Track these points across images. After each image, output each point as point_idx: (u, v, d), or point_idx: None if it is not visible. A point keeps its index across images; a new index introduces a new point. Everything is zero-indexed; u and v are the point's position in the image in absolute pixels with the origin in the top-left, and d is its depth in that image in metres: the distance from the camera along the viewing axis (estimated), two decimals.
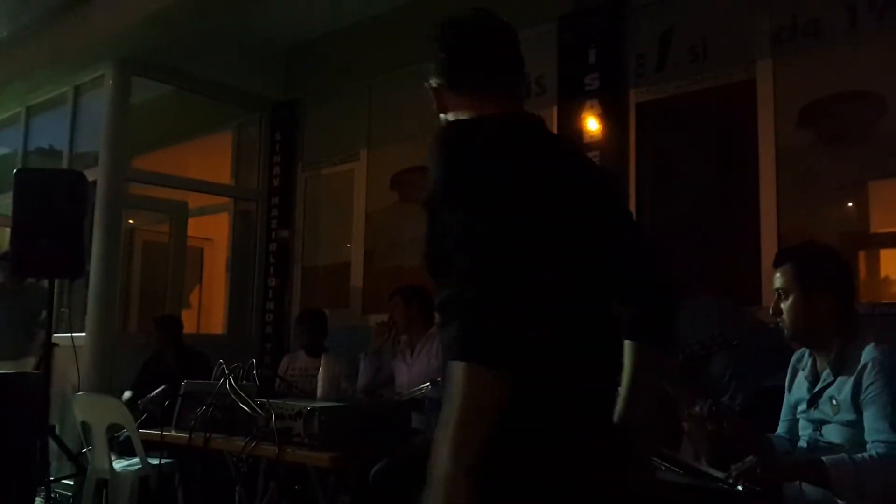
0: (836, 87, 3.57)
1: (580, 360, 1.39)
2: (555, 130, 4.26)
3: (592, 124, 4.12)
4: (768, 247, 3.43)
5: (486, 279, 1.25)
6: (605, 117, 4.08)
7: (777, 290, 2.32)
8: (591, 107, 4.12)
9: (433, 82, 1.58)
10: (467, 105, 1.53)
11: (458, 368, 1.20)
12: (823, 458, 2.06)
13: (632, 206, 4.02)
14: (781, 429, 2.46)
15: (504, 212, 1.29)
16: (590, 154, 4.11)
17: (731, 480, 2.04)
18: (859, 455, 2.05)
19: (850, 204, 3.59)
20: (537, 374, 1.30)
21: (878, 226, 3.54)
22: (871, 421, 2.08)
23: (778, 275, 2.32)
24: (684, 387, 2.79)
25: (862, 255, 3.56)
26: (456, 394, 1.20)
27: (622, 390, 1.52)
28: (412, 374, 3.83)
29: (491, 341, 1.20)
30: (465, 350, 1.20)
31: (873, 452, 2.04)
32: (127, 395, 4.58)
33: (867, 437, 2.08)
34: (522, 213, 1.31)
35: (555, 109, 4.32)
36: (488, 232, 1.27)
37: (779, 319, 2.32)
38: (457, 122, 1.52)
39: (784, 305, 2.29)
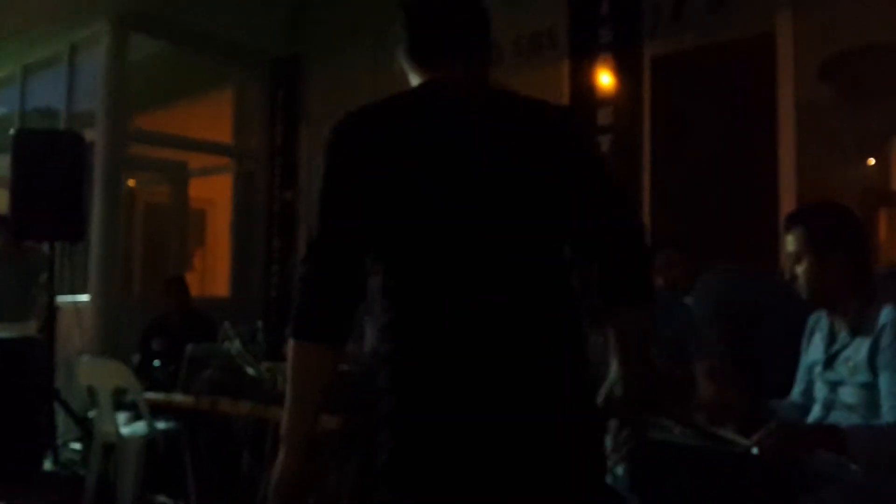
0: (858, 41, 3.50)
1: (450, 339, 1.36)
2: (566, 87, 4.24)
3: (605, 79, 4.05)
4: (788, 205, 3.39)
5: (309, 257, 1.43)
6: (619, 72, 4.01)
7: (791, 254, 2.28)
8: (605, 61, 4.04)
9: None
10: (413, 77, 1.62)
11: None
12: (840, 425, 2.04)
13: (646, 164, 3.96)
14: (797, 390, 2.43)
15: (333, 193, 1.47)
16: (602, 110, 4.06)
17: (749, 444, 2.02)
18: (877, 421, 2.02)
19: (871, 161, 3.53)
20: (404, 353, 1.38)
21: None
22: (889, 385, 2.05)
23: (790, 238, 2.27)
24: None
25: (883, 213, 3.51)
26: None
27: (613, 364, 1.50)
28: None
29: (307, 319, 1.38)
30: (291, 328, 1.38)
31: (890, 419, 2.01)
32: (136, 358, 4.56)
33: (883, 401, 2.04)
34: (356, 194, 1.43)
35: (566, 64, 4.24)
36: (318, 211, 1.48)
37: (794, 284, 2.28)
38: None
39: (799, 269, 2.25)
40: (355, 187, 1.44)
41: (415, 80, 1.60)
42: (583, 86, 4.12)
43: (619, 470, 2.00)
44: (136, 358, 4.57)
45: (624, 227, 1.50)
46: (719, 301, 2.72)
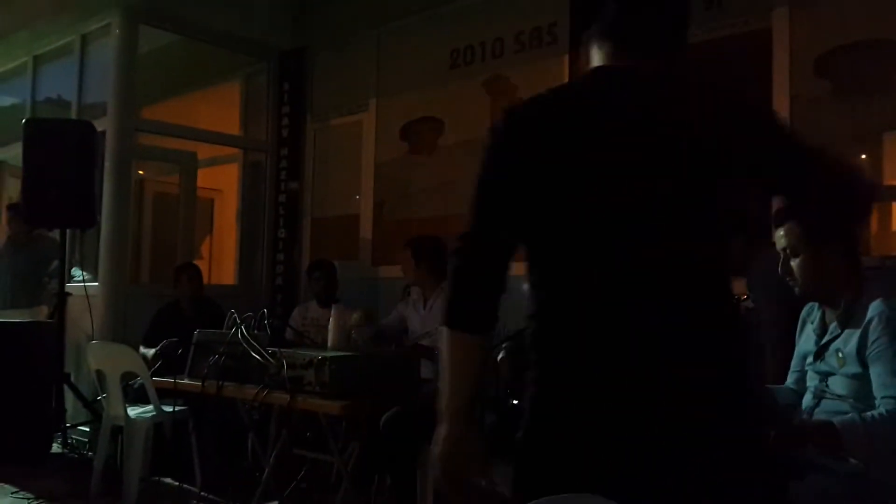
0: (853, 37, 3.50)
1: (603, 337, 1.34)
2: (566, 80, 4.27)
3: None
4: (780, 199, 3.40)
5: (462, 250, 1.44)
6: None
7: (783, 248, 2.30)
8: None
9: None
10: (588, 60, 1.55)
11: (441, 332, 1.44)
12: (834, 421, 2.06)
13: None
14: (790, 380, 2.47)
15: (492, 186, 1.44)
16: None
17: None
18: (869, 413, 2.05)
19: (864, 156, 3.55)
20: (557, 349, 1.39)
21: (892, 178, 3.50)
22: (879, 376, 2.07)
23: (782, 233, 2.29)
24: None
25: (875, 207, 3.53)
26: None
27: None
28: (425, 326, 3.85)
29: (459, 310, 1.43)
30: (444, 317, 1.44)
31: (882, 410, 2.03)
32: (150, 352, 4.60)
33: (875, 392, 2.08)
34: (518, 189, 1.40)
35: (566, 59, 4.28)
36: (475, 202, 1.45)
37: (789, 279, 2.30)
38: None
39: (794, 264, 2.27)
40: (517, 181, 1.41)
41: (597, 61, 1.52)
42: None
43: None
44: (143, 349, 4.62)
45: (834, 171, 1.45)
46: None
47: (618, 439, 1.31)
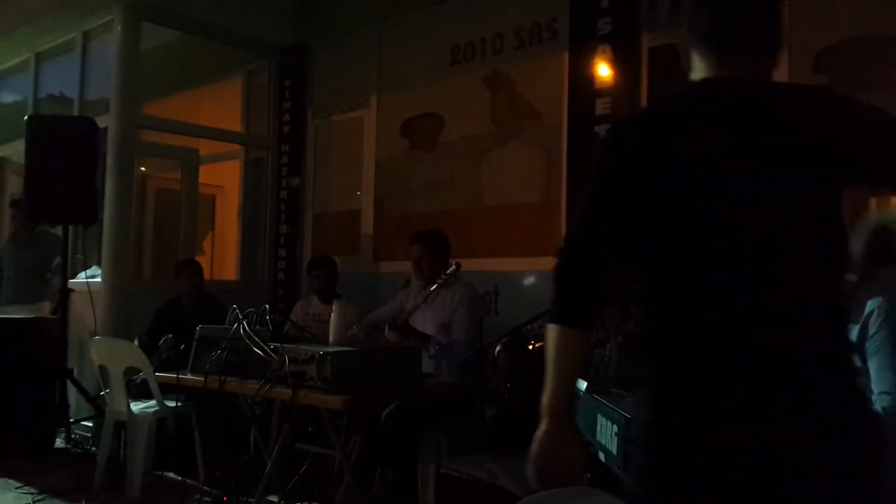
0: (852, 32, 3.50)
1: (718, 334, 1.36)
2: (566, 76, 4.30)
3: (604, 70, 4.07)
4: None
5: (568, 251, 1.51)
6: (618, 63, 4.03)
7: None
8: (604, 52, 4.07)
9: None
10: (696, 65, 1.52)
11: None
12: None
13: None
14: None
15: (603, 193, 1.48)
16: (600, 100, 4.09)
17: None
18: None
19: None
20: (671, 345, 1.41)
21: None
22: (877, 371, 2.09)
23: None
24: None
25: (873, 203, 3.54)
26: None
27: None
28: (425, 318, 3.87)
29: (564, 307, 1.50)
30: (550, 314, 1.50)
31: (878, 406, 2.06)
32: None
33: (873, 387, 2.10)
34: (624, 200, 1.44)
35: (566, 55, 4.28)
36: (584, 207, 1.51)
37: None
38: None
39: None
40: (629, 188, 1.43)
41: (699, 68, 1.50)
42: (582, 76, 4.14)
43: (613, 448, 2.06)
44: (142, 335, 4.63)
45: None
46: None
47: (739, 442, 1.31)
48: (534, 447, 1.49)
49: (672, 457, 1.35)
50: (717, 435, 1.31)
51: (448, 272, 3.66)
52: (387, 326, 3.75)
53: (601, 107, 4.06)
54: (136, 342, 4.46)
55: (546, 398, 1.49)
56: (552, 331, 1.49)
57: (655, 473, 1.38)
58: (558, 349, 1.48)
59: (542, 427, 1.49)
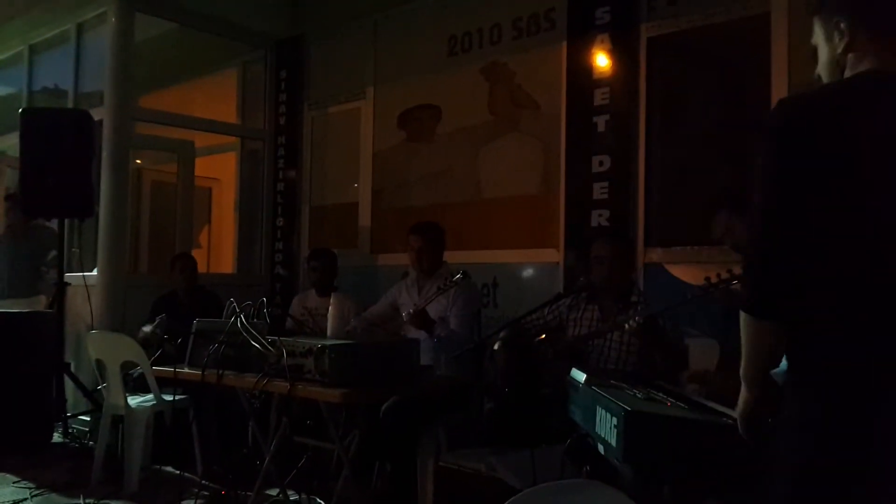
0: None
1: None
2: (564, 67, 4.27)
3: (602, 60, 4.06)
4: None
5: (760, 239, 1.52)
6: (616, 53, 4.01)
7: None
8: (602, 42, 4.05)
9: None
10: (839, 46, 1.53)
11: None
12: None
13: (641, 144, 3.99)
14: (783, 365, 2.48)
15: (787, 180, 1.45)
16: (599, 91, 4.07)
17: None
18: None
19: None
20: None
21: None
22: None
23: None
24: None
25: None
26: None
27: None
28: (418, 305, 3.86)
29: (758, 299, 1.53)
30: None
31: None
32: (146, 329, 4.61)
33: None
34: (804, 187, 1.43)
35: (564, 45, 4.26)
36: (766, 197, 1.49)
37: None
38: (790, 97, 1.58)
39: None
40: (807, 174, 1.44)
41: (857, 49, 1.50)
42: (580, 66, 4.13)
43: (613, 441, 2.05)
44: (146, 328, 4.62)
45: None
46: None
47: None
48: (739, 409, 1.66)
49: None
50: None
51: (455, 278, 3.64)
52: (406, 317, 3.75)
53: (600, 97, 4.05)
54: (146, 331, 4.45)
55: (744, 370, 1.61)
56: (747, 322, 1.55)
57: None
58: (752, 338, 1.56)
59: (742, 393, 1.64)
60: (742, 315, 1.57)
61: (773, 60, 3.57)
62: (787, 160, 1.45)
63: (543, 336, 3.46)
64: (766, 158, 1.49)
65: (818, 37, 1.61)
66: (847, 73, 1.54)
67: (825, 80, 1.60)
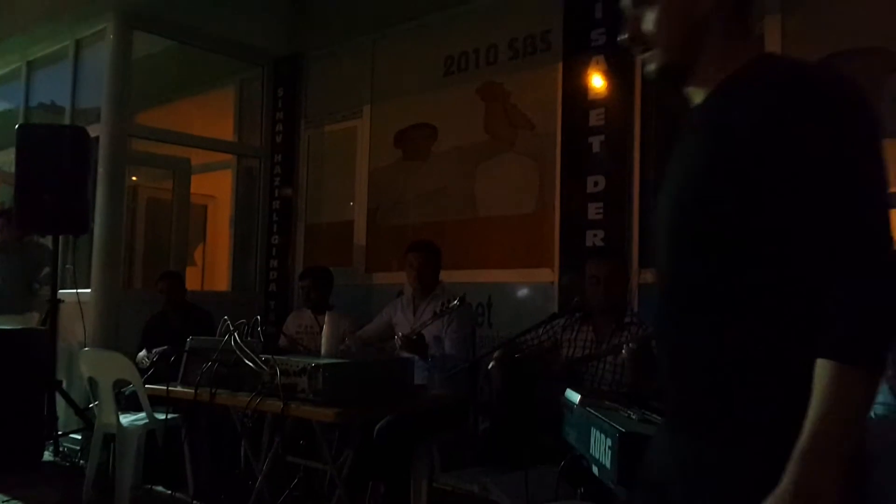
0: (846, 43, 3.51)
1: None
2: (559, 87, 4.29)
3: (598, 81, 4.08)
4: None
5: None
6: (611, 74, 4.03)
7: None
8: (597, 63, 4.07)
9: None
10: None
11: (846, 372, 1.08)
12: None
13: (636, 165, 4.00)
14: None
15: (882, 167, 1.15)
16: (594, 112, 4.09)
17: None
18: None
19: None
20: None
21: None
22: None
23: None
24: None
25: None
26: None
27: None
28: (413, 329, 3.85)
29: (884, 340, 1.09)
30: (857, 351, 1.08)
31: (871, 413, 2.04)
32: (141, 354, 4.62)
33: None
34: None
35: (559, 66, 4.28)
36: (873, 193, 1.13)
37: None
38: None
39: None
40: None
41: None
42: (575, 87, 4.15)
43: (607, 463, 2.04)
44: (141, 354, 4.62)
45: None
46: None
47: None
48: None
49: None
50: None
51: (451, 305, 3.63)
52: (399, 340, 3.72)
53: (595, 118, 4.06)
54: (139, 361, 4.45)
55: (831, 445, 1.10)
56: (863, 380, 1.09)
57: None
58: (864, 405, 1.12)
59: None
60: (862, 379, 1.09)
61: None
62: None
63: (538, 357, 3.45)
64: (863, 130, 1.14)
65: None
66: None
67: None
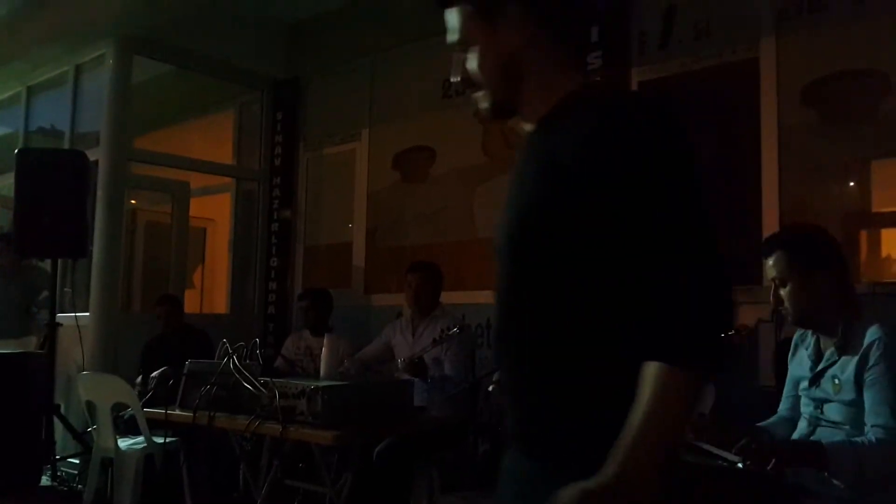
0: (840, 66, 3.55)
1: None
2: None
3: None
4: (770, 227, 3.42)
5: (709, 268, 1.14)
6: None
7: (773, 278, 2.30)
8: None
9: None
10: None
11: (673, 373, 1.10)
12: (823, 442, 2.07)
13: None
14: (784, 406, 2.47)
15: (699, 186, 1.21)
16: None
17: (735, 459, 2.05)
18: (858, 439, 2.05)
19: (852, 183, 3.58)
20: None
21: (880, 205, 3.53)
22: (872, 404, 2.07)
23: (770, 263, 2.30)
24: None
25: (863, 234, 3.56)
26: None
27: None
28: (414, 353, 3.85)
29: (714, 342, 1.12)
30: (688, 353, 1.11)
31: (872, 437, 2.04)
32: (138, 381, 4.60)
33: (867, 419, 2.08)
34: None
35: None
36: (697, 207, 1.18)
37: (781, 308, 2.31)
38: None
39: (783, 293, 2.27)
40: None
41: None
42: None
43: None
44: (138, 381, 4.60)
45: None
46: None
47: None
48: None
49: None
50: None
51: (451, 332, 3.64)
52: (400, 364, 3.72)
53: None
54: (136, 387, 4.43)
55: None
56: (691, 382, 1.11)
57: None
58: (689, 406, 1.13)
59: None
60: (688, 380, 1.11)
61: (762, 103, 3.62)
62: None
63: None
64: (688, 168, 1.20)
65: None
66: None
67: None
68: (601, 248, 1.19)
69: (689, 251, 1.14)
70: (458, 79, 1.41)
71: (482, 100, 1.39)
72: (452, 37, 1.40)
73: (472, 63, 1.37)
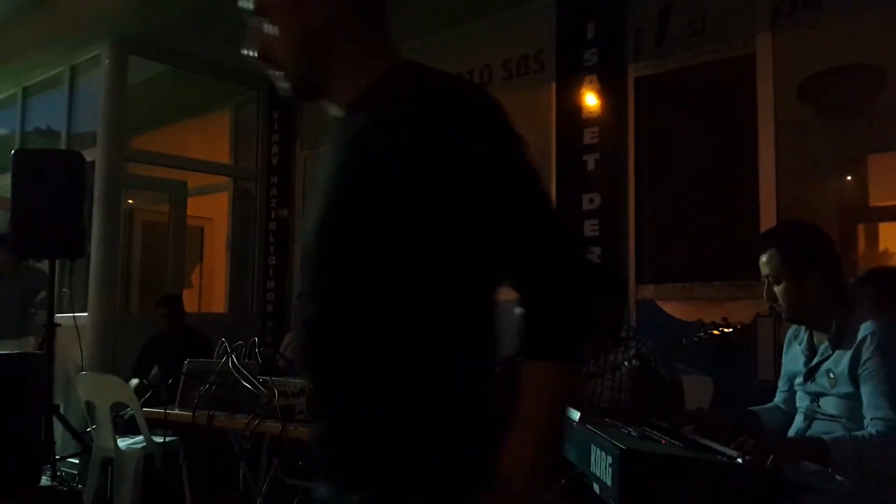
0: (836, 61, 3.56)
1: None
2: (553, 107, 4.33)
3: (591, 100, 4.11)
4: (767, 222, 3.43)
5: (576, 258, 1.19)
6: (604, 93, 4.07)
7: (766, 276, 2.31)
8: (590, 82, 4.11)
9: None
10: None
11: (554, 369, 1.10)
12: (824, 437, 2.07)
13: (630, 182, 4.03)
14: (778, 399, 2.48)
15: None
16: (588, 130, 4.12)
17: (735, 454, 2.06)
18: (859, 433, 2.06)
19: (849, 178, 3.59)
20: None
21: (877, 199, 3.55)
22: (870, 397, 2.08)
23: (764, 260, 2.30)
24: None
25: (861, 228, 3.57)
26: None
27: None
28: None
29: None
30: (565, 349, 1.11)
31: (872, 430, 2.04)
32: (134, 382, 4.60)
33: (865, 412, 2.09)
34: None
35: (553, 85, 4.32)
36: (545, 192, 1.21)
37: (774, 305, 2.32)
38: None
39: (777, 290, 2.28)
40: None
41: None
42: (569, 106, 4.18)
43: (608, 480, 2.04)
44: (133, 382, 4.60)
45: None
46: None
47: None
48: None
49: None
50: None
51: None
52: None
53: (589, 136, 4.09)
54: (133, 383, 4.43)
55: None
56: (569, 373, 1.11)
57: None
58: (568, 398, 1.15)
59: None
60: (566, 372, 1.10)
61: (758, 99, 3.63)
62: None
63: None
64: (515, 148, 1.18)
65: None
66: None
67: None
68: (422, 249, 1.10)
69: (540, 238, 1.11)
70: (254, 53, 1.27)
71: (282, 79, 1.27)
72: (247, 3, 1.25)
73: (269, 38, 1.24)
